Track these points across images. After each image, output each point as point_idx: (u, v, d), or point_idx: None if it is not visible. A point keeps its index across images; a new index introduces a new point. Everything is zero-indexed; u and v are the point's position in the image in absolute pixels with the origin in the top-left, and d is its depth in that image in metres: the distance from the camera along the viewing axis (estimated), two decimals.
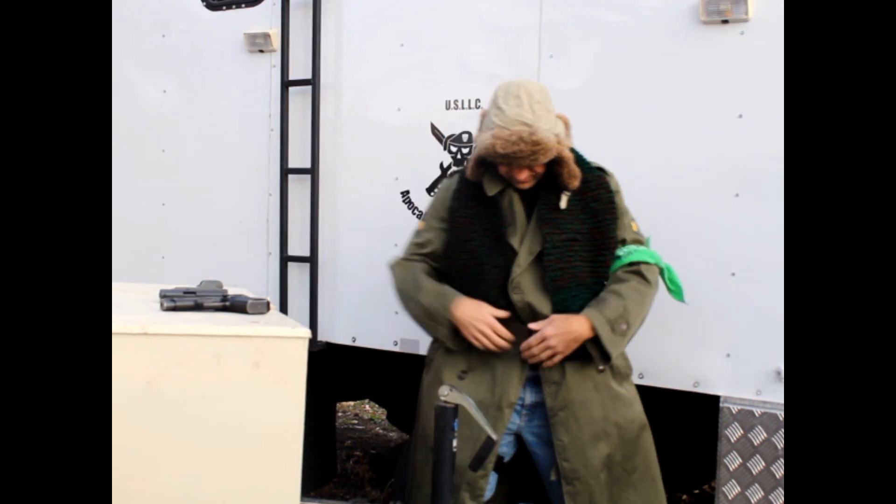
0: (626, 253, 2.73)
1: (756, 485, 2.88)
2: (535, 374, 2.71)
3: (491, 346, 2.65)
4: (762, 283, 2.89)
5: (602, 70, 3.15)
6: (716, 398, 2.99)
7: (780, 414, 2.84)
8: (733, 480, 2.91)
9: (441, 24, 3.50)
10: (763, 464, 2.87)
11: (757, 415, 2.88)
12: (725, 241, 2.95)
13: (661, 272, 2.79)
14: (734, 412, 2.91)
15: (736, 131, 2.93)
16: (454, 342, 2.73)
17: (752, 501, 2.88)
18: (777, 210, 2.77)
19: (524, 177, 2.64)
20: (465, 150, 3.44)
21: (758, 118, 2.89)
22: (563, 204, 2.67)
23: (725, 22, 2.94)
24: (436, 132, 3.51)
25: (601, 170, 2.77)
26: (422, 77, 3.56)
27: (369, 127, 3.70)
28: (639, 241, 2.78)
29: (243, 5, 3.95)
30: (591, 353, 2.64)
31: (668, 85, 3.06)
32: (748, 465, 2.89)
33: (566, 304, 2.65)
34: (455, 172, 2.93)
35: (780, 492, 2.84)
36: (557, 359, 2.63)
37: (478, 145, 2.65)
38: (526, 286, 2.67)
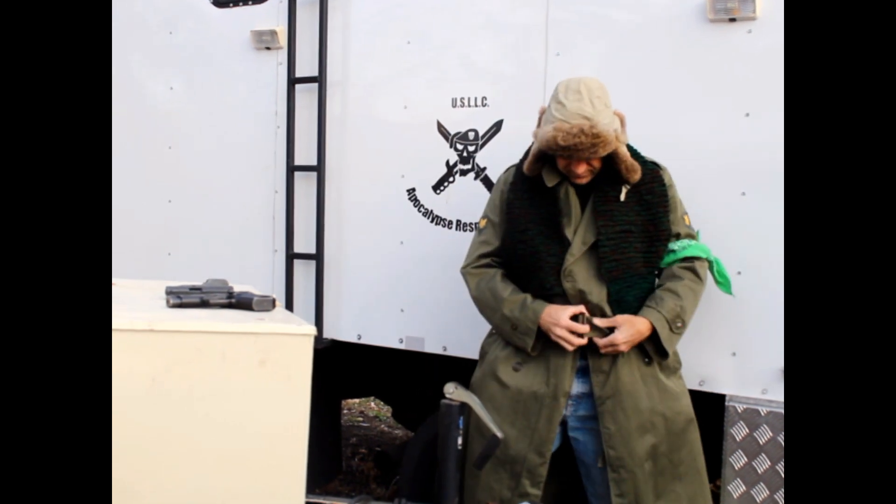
0: (682, 248, 2.80)
1: (761, 483, 2.88)
2: (583, 365, 2.79)
3: (570, 348, 2.73)
4: (769, 282, 2.88)
5: (608, 68, 3.14)
6: (721, 397, 2.99)
7: None
8: (738, 479, 2.91)
9: (448, 22, 3.50)
10: (768, 463, 2.87)
11: (762, 414, 2.87)
12: (732, 240, 2.95)
13: (710, 265, 2.84)
14: (740, 411, 2.91)
15: (742, 130, 2.93)
16: (536, 349, 2.81)
17: (758, 500, 2.88)
18: (783, 209, 2.76)
19: (582, 170, 2.72)
20: (470, 148, 3.44)
21: (765, 117, 2.89)
22: (623, 196, 2.76)
23: (733, 20, 2.94)
24: (442, 130, 3.51)
25: (655, 164, 2.84)
26: (428, 75, 3.56)
27: (375, 124, 3.70)
28: (690, 236, 2.85)
29: (250, 3, 3.95)
30: (646, 349, 2.75)
31: (674, 83, 3.06)
32: (753, 463, 2.88)
33: (622, 294, 2.75)
34: (511, 167, 2.99)
35: None
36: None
37: (538, 139, 2.72)
38: (578, 274, 2.76)
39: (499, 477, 2.80)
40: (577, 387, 2.79)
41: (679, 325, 2.74)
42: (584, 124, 2.60)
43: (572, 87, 2.67)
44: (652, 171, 2.80)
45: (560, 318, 2.72)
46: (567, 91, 2.67)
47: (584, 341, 2.72)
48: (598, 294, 2.75)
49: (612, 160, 2.71)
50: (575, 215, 2.79)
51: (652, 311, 2.73)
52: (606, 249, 2.73)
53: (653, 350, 2.74)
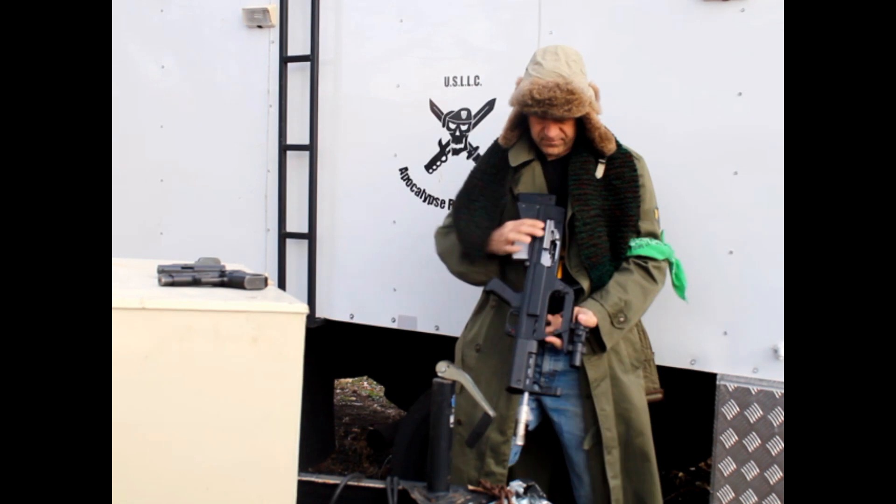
0: (637, 245, 2.75)
1: (752, 462, 2.89)
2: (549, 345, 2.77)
3: (525, 238, 2.71)
4: (760, 262, 2.89)
5: (601, 47, 3.14)
6: (712, 376, 3.00)
7: (777, 392, 2.85)
8: (729, 457, 2.92)
9: (441, 0, 3.48)
10: (759, 441, 2.88)
11: (753, 392, 2.89)
12: (723, 219, 2.96)
13: (670, 266, 2.82)
14: (731, 390, 2.92)
15: (735, 109, 2.93)
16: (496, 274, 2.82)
17: (748, 479, 2.90)
18: (776, 188, 2.77)
19: (555, 134, 2.70)
20: (463, 127, 3.43)
21: (757, 96, 2.88)
22: (600, 173, 2.74)
23: None
24: (435, 109, 3.50)
25: (629, 151, 2.81)
26: (421, 54, 3.54)
27: (368, 103, 3.68)
28: (653, 234, 2.79)
29: None
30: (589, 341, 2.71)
31: (667, 62, 3.05)
32: (744, 442, 2.90)
33: (602, 280, 2.73)
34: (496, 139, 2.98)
35: (776, 469, 2.86)
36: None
37: (513, 97, 2.73)
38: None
39: (466, 459, 2.82)
40: (548, 364, 2.79)
41: (622, 319, 2.69)
42: (560, 80, 2.62)
43: (550, 50, 2.71)
44: (623, 154, 2.77)
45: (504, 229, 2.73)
46: (545, 53, 2.71)
47: (537, 231, 2.70)
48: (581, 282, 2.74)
49: (585, 129, 2.70)
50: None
51: (594, 303, 2.69)
52: (583, 235, 2.70)
53: (595, 342, 2.71)
